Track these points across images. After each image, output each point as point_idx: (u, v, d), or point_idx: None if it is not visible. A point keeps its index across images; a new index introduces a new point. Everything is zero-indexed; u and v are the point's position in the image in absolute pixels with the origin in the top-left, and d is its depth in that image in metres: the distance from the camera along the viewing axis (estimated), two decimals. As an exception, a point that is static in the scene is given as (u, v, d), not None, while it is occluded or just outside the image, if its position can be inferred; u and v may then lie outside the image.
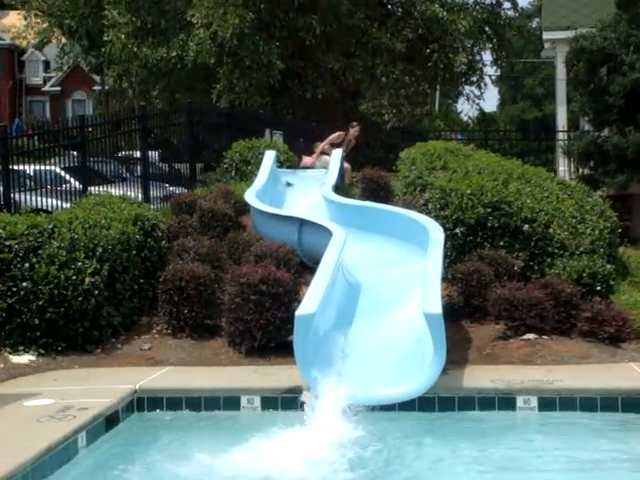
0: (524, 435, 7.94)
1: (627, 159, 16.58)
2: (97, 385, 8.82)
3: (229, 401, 8.63)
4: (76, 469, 7.00)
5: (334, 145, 16.52)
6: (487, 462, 7.18)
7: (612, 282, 11.26)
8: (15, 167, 12.99)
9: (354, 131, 16.98)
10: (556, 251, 11.58)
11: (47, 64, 56.70)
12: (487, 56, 35.32)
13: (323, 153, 16.55)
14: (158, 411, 8.60)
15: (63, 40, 34.64)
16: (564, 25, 20.91)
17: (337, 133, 16.84)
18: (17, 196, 12.97)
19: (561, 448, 7.48)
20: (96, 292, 10.15)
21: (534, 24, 45.24)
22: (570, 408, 8.31)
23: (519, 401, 8.41)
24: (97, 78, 43.60)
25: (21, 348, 9.93)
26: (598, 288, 10.95)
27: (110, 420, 8.00)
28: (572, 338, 10.18)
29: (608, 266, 11.31)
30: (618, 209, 14.22)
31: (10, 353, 9.83)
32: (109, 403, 8.10)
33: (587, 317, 10.18)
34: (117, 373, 9.47)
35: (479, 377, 8.89)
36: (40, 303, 9.92)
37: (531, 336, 10.03)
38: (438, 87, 31.19)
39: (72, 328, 10.11)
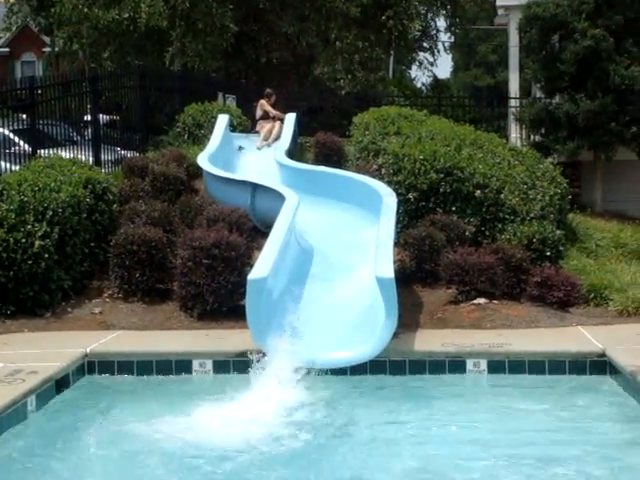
0: (471, 397, 8.06)
1: (578, 126, 16.71)
2: (47, 349, 8.75)
3: (181, 365, 8.62)
4: (25, 433, 6.95)
5: (268, 116, 16.32)
6: (435, 425, 7.25)
7: (561, 248, 11.44)
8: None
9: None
10: (507, 217, 11.71)
11: (-5, 25, 55.51)
12: (441, 22, 35.37)
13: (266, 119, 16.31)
14: (109, 375, 8.57)
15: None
16: (518, -8, 20.90)
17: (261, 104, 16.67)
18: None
19: (506, 409, 7.60)
20: (46, 255, 10.05)
21: (488, -9, 45.26)
22: (519, 371, 8.44)
23: (469, 364, 8.52)
24: (47, 39, 42.78)
25: (-31, 312, 9.83)
26: (548, 253, 11.11)
27: (60, 384, 7.96)
28: (522, 302, 10.32)
29: (558, 232, 11.48)
30: (568, 176, 14.38)
31: (-42, 317, 9.73)
32: (59, 367, 8.05)
33: (537, 282, 10.32)
34: (68, 337, 9.40)
35: (430, 341, 8.97)
36: (-12, 266, 9.80)
37: (482, 300, 10.15)
38: (392, 53, 31.11)
39: (22, 292, 10.02)
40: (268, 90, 16.87)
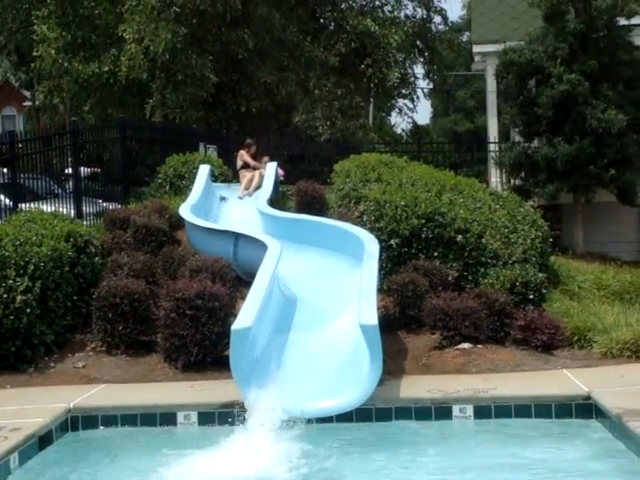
0: (459, 443, 8.01)
1: (556, 169, 16.88)
2: (30, 405, 8.65)
3: (165, 417, 8.54)
4: (8, 491, 6.87)
5: (248, 166, 16.51)
6: (424, 472, 7.21)
7: (544, 290, 11.46)
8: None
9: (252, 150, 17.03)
10: (489, 261, 11.75)
11: (-25, 80, 55.58)
12: (419, 69, 35.72)
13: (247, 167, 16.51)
14: (93, 430, 8.47)
15: (-9, 55, 34.13)
16: (493, 39, 21.21)
17: (240, 154, 16.91)
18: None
19: (495, 455, 7.55)
20: (28, 310, 9.98)
21: (464, 38, 45.86)
22: (505, 415, 8.40)
23: (455, 410, 8.47)
24: (27, 94, 42.96)
25: (-49, 369, 9.73)
26: (531, 297, 11.13)
27: (43, 440, 7.85)
28: (506, 346, 10.31)
29: (540, 275, 11.51)
30: (549, 219, 14.46)
31: (-61, 374, 9.62)
32: (42, 423, 7.95)
33: (520, 325, 10.32)
34: (51, 392, 9.31)
35: (416, 387, 8.94)
36: (-30, 323, 9.73)
37: (466, 345, 10.14)
38: (372, 100, 31.41)
39: (3, 347, 9.94)
40: (248, 140, 17.07)
